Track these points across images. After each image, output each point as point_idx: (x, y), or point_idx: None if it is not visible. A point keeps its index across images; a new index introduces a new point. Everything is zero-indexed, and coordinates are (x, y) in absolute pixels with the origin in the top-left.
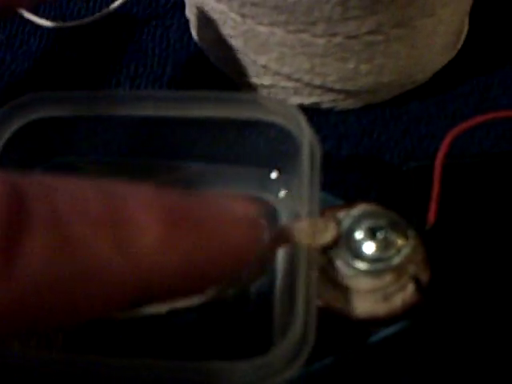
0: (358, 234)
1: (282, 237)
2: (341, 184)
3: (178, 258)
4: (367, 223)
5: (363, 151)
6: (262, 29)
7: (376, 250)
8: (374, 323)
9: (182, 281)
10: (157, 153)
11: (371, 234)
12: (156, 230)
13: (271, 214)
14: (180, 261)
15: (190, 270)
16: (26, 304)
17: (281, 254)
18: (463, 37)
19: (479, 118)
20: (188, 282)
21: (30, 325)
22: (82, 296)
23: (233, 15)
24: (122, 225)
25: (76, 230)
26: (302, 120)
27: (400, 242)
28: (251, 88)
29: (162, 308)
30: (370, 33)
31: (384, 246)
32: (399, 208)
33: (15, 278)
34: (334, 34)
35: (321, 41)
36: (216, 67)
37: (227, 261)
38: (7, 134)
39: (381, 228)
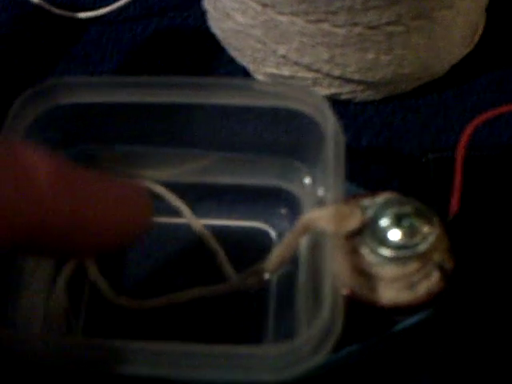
0: (384, 222)
1: (306, 225)
2: (361, 175)
3: (62, 203)
4: (393, 210)
5: (382, 143)
6: (283, 18)
7: (402, 237)
8: (398, 311)
9: (68, 231)
10: (180, 141)
11: (397, 221)
12: (48, 176)
13: (294, 202)
14: (63, 206)
15: (76, 221)
16: None
17: (304, 243)
18: (481, 30)
19: (498, 110)
20: (73, 234)
21: None
22: None
23: (253, 4)
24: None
25: None
26: (327, 108)
27: (426, 229)
28: (270, 78)
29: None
30: (389, 23)
31: (410, 233)
32: (419, 199)
33: None
34: (355, 24)
35: (341, 31)
36: (233, 58)
37: (112, 219)
38: (28, 120)
39: (406, 215)
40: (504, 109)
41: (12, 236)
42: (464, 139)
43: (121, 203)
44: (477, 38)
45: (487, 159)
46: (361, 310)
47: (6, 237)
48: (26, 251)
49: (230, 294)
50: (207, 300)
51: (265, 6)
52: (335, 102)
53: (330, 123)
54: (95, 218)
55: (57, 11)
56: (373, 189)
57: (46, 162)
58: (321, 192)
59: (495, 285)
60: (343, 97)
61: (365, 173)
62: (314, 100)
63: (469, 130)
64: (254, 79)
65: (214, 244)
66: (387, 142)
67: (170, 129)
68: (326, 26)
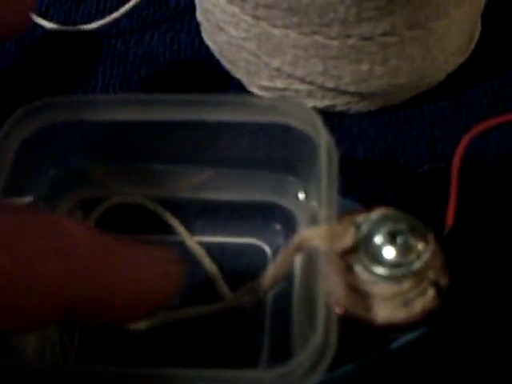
0: (378, 239)
1: (300, 243)
2: (356, 187)
3: (105, 266)
4: (387, 227)
5: (378, 154)
6: (276, 31)
7: (396, 255)
8: (394, 329)
9: (110, 294)
10: (173, 157)
11: (391, 239)
12: (85, 239)
13: (288, 218)
14: (107, 269)
15: (114, 291)
16: None
17: (298, 261)
18: (476, 38)
19: (494, 120)
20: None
21: None
22: (20, 297)
23: (246, 17)
24: (58, 236)
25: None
26: (319, 122)
27: (420, 246)
28: (263, 91)
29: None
30: (384, 34)
31: (404, 250)
32: (415, 211)
33: None
34: (348, 36)
35: (335, 43)
36: (227, 71)
37: (147, 292)
38: (21, 138)
39: (401, 232)
40: (500, 119)
41: (55, 310)
42: (460, 150)
43: (157, 272)
44: (472, 47)
45: (484, 170)
46: (356, 328)
47: (50, 312)
48: (63, 322)
49: (225, 312)
50: (202, 318)
51: (257, 18)
52: (330, 113)
53: (322, 138)
54: (135, 288)
55: (48, 25)
56: (368, 200)
57: (87, 235)
58: (315, 206)
59: (491, 300)
60: (338, 108)
61: (360, 184)
62: (306, 115)
63: (465, 140)
64: (248, 92)
65: (209, 262)
66: (383, 154)
67: (163, 145)
68: (319, 38)
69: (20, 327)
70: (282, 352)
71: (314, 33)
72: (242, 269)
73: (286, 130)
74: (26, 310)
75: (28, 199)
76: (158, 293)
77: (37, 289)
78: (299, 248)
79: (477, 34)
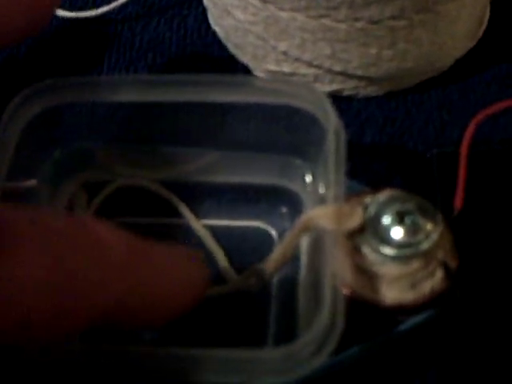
0: (386, 219)
1: (307, 223)
2: (364, 171)
3: (139, 276)
4: (395, 207)
5: (386, 139)
6: (283, 14)
7: (404, 235)
8: (401, 311)
9: (139, 304)
10: (179, 139)
11: (399, 219)
12: (120, 249)
13: (295, 201)
14: (140, 278)
15: (148, 290)
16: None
17: (304, 244)
18: (485, 23)
19: (502, 104)
20: (145, 305)
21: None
22: (58, 302)
23: (253, 1)
24: (94, 243)
25: (50, 241)
26: (328, 104)
27: (429, 226)
28: (270, 75)
29: None
30: (392, 18)
31: (412, 230)
32: (423, 195)
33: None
34: (357, 19)
35: (343, 26)
36: (233, 56)
37: (176, 291)
38: (26, 119)
39: (409, 212)
40: (508, 103)
41: (93, 317)
42: (468, 134)
43: (186, 276)
44: (481, 32)
45: (492, 154)
46: (363, 309)
47: (87, 319)
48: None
49: (231, 295)
50: (207, 301)
51: (265, 2)
52: (337, 98)
53: (331, 120)
54: (166, 294)
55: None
56: (376, 185)
57: (123, 243)
58: (322, 190)
59: (500, 282)
60: (345, 93)
61: (368, 169)
62: (315, 97)
63: (473, 124)
64: (252, 76)
65: (214, 244)
66: (391, 138)
67: (169, 127)
68: (327, 22)
69: (57, 335)
70: (287, 335)
71: (322, 16)
72: (247, 252)
73: (294, 112)
74: (66, 317)
75: (32, 182)
76: (187, 297)
77: (76, 296)
78: (306, 228)
79: (486, 19)
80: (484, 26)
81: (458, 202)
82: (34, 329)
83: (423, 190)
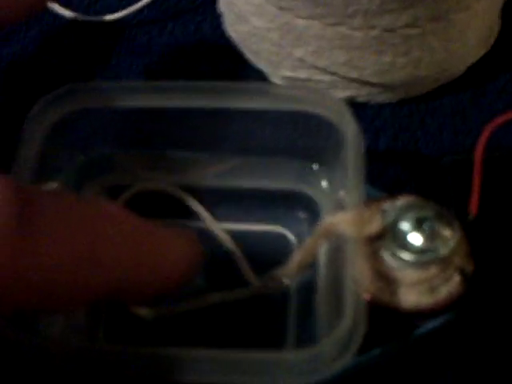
0: (404, 225)
1: (327, 229)
2: (379, 178)
3: (141, 254)
4: (414, 214)
5: (400, 145)
6: (300, 22)
7: (423, 241)
8: (419, 315)
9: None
10: (198, 144)
11: (418, 225)
12: (127, 226)
13: (312, 206)
14: (142, 257)
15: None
16: (34, 274)
17: (323, 249)
18: (496, 31)
19: None
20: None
21: (37, 292)
22: (73, 274)
23: (270, 8)
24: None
25: (68, 221)
26: (346, 111)
27: (446, 232)
28: (286, 82)
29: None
30: (406, 26)
31: (430, 236)
32: (437, 201)
33: (27, 249)
34: (372, 27)
35: (358, 34)
36: (249, 61)
37: (175, 266)
38: (48, 125)
39: (427, 219)
40: None
41: (102, 290)
42: (482, 141)
43: (186, 252)
44: (493, 39)
45: (506, 160)
46: (382, 314)
47: (97, 292)
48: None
49: (250, 299)
50: (227, 304)
51: (282, 9)
52: (352, 104)
53: (350, 126)
54: (170, 268)
55: (71, 15)
56: (391, 191)
57: (130, 221)
58: (339, 195)
59: None
60: (360, 99)
61: (382, 175)
62: (332, 103)
63: (487, 131)
64: (270, 82)
65: (234, 247)
66: (404, 145)
67: (188, 133)
68: (342, 29)
69: (75, 304)
70: (306, 339)
71: (338, 24)
72: (265, 256)
73: (311, 118)
74: (83, 287)
75: (54, 185)
76: (185, 269)
77: (92, 267)
78: (326, 233)
79: (497, 27)
80: (496, 34)
81: (474, 207)
82: (53, 298)
83: (437, 196)
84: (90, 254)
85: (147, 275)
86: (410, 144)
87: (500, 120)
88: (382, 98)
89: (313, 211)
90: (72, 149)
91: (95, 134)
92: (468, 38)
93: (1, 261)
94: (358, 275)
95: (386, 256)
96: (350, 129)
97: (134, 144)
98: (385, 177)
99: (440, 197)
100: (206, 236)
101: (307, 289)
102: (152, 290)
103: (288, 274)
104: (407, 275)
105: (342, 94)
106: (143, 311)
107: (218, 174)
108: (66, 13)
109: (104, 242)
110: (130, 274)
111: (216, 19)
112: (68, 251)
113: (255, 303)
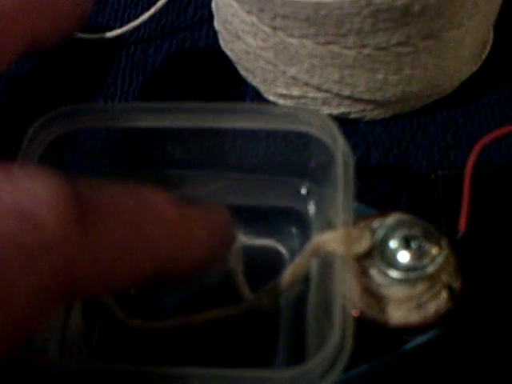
0: (393, 244)
1: (317, 247)
2: (370, 193)
3: (188, 227)
4: (401, 232)
5: (392, 160)
6: (293, 41)
7: (410, 259)
8: (407, 331)
9: (192, 249)
10: (192, 163)
11: (405, 244)
12: (171, 209)
13: (304, 223)
14: (190, 230)
15: (197, 239)
16: (95, 259)
17: (314, 264)
18: (488, 47)
19: (507, 128)
20: (196, 250)
21: (98, 278)
22: (132, 255)
23: (264, 27)
24: (150, 206)
25: (123, 208)
26: (336, 130)
27: (434, 251)
28: (279, 98)
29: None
30: (399, 44)
31: (418, 255)
32: (428, 216)
33: (88, 237)
34: (364, 46)
35: (351, 52)
36: (244, 78)
37: (213, 241)
38: (44, 144)
39: (415, 237)
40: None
41: (147, 271)
42: (473, 156)
43: (218, 227)
44: (485, 55)
45: (495, 176)
46: (371, 330)
47: (148, 269)
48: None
49: (243, 314)
50: (219, 319)
51: (275, 28)
52: (345, 120)
53: (339, 146)
54: (207, 245)
55: None
56: (382, 207)
57: (170, 204)
58: (330, 212)
59: (502, 303)
60: (353, 116)
61: (374, 190)
62: (322, 122)
63: (477, 147)
64: (264, 100)
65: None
66: (396, 160)
67: (183, 152)
68: (335, 48)
69: (124, 287)
70: (296, 354)
71: (331, 43)
72: (259, 270)
73: (303, 137)
74: (133, 272)
75: None
76: (222, 246)
77: (142, 251)
78: (316, 252)
79: (489, 43)
80: (488, 50)
81: (462, 224)
82: (111, 283)
83: (428, 211)
84: (139, 239)
85: (187, 254)
86: (401, 159)
87: (491, 136)
88: (375, 114)
89: (305, 227)
90: (68, 168)
91: (92, 154)
92: (460, 55)
93: (65, 258)
94: (347, 292)
95: (375, 273)
96: (339, 148)
97: (130, 163)
98: (376, 191)
99: (431, 212)
100: None
101: (299, 304)
102: (191, 267)
103: (280, 289)
104: (395, 292)
105: (335, 110)
106: (136, 323)
107: (213, 191)
108: None
109: (149, 227)
110: (173, 252)
111: (212, 36)
112: (122, 240)
113: (247, 318)
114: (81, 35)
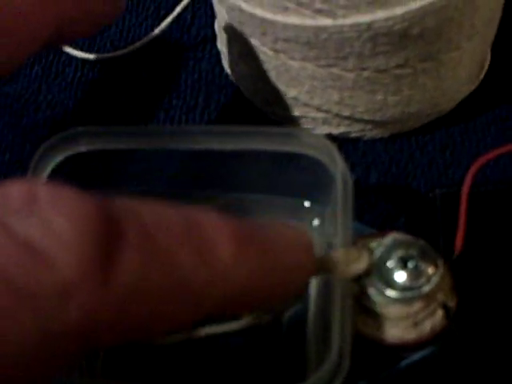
0: (390, 263)
1: (316, 267)
2: (369, 211)
3: (248, 272)
4: (399, 253)
5: (391, 179)
6: (294, 63)
7: (407, 279)
8: (404, 348)
9: (250, 296)
10: (193, 184)
11: (402, 264)
12: (229, 247)
13: None
14: (250, 275)
15: (258, 284)
16: (121, 311)
17: (313, 282)
18: (486, 67)
19: (505, 148)
20: (255, 297)
21: (124, 332)
22: (169, 306)
23: (265, 50)
24: (201, 241)
25: (163, 245)
26: (335, 152)
27: (430, 270)
28: (281, 118)
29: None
30: (398, 67)
31: (415, 274)
32: (426, 235)
33: (112, 286)
34: (364, 69)
35: (351, 75)
36: (247, 98)
37: (289, 278)
38: (52, 166)
39: (412, 257)
40: (509, 146)
41: (199, 312)
42: (470, 175)
43: (294, 259)
44: (482, 75)
45: (493, 195)
46: (368, 347)
47: (193, 315)
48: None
49: (242, 332)
50: (217, 337)
51: (276, 51)
52: (344, 140)
53: (338, 167)
54: (276, 281)
55: (73, 52)
56: (381, 224)
57: (232, 244)
58: (329, 232)
59: (497, 322)
60: (352, 135)
61: (373, 209)
62: (322, 144)
63: (475, 166)
64: (266, 120)
65: None
66: (395, 178)
67: (185, 173)
68: (335, 71)
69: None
70: (296, 371)
71: (331, 65)
72: None
73: (303, 158)
74: (175, 316)
75: None
76: (298, 282)
77: (184, 298)
78: (314, 272)
79: (487, 63)
80: (485, 70)
81: (458, 244)
82: (150, 328)
83: (426, 229)
84: (180, 281)
85: (256, 293)
86: (400, 178)
87: (488, 156)
88: (374, 133)
89: None
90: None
91: (97, 177)
92: (459, 76)
93: (83, 307)
94: (347, 312)
95: (373, 292)
96: (338, 169)
97: (135, 184)
98: (375, 210)
99: (429, 230)
100: None
101: (298, 322)
102: (270, 302)
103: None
104: (392, 311)
105: (336, 130)
106: None
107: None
108: (68, 50)
109: (196, 266)
110: (231, 295)
111: (215, 56)
112: (159, 286)
113: (246, 335)
114: (85, 55)
